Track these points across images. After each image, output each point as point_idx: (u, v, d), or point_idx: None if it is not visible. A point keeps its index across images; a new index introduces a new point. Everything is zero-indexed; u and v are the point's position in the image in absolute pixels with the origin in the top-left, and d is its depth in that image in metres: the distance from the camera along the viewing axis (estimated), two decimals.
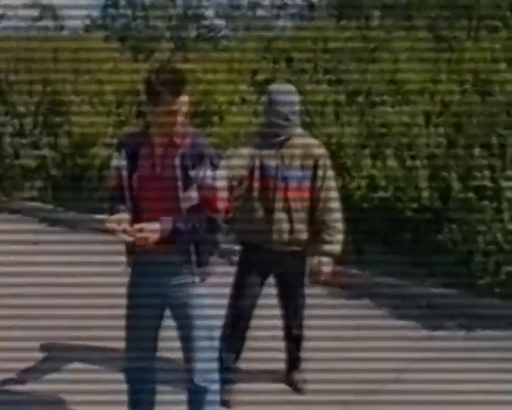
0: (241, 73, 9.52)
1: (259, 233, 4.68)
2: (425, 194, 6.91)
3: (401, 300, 6.60)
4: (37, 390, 4.94)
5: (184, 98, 3.75)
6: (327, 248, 4.69)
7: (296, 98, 4.75)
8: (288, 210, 4.65)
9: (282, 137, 4.67)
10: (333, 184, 4.76)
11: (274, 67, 9.50)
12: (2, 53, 10.44)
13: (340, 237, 4.73)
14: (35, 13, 12.97)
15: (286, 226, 4.67)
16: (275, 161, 4.65)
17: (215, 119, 8.82)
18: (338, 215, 4.71)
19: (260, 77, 9.29)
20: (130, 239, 3.74)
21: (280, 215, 4.65)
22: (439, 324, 6.20)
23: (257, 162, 4.66)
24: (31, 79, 10.06)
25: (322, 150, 4.76)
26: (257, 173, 4.66)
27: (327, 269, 4.73)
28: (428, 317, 6.31)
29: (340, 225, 4.73)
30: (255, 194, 4.68)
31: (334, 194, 4.75)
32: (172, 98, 3.69)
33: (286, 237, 4.68)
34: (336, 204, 4.74)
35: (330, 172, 4.75)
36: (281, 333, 5.11)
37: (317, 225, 4.71)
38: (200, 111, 8.64)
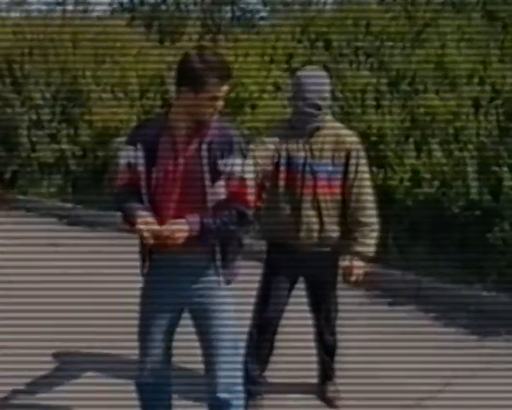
0: (276, 58, 9.51)
1: (286, 232, 4.62)
2: (474, 189, 6.82)
3: (448, 305, 6.53)
4: (47, 396, 4.99)
5: (227, 86, 3.74)
6: (359, 248, 4.62)
7: (327, 84, 4.68)
8: (317, 207, 4.58)
9: (311, 127, 4.60)
10: (366, 178, 4.68)
11: (311, 51, 9.47)
12: (17, 38, 10.54)
13: (374, 236, 4.65)
14: None
15: (315, 224, 4.60)
16: (303, 154, 4.58)
17: (247, 107, 8.82)
18: (372, 212, 4.64)
19: (296, 62, 9.25)
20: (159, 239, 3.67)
21: (308, 212, 4.58)
22: (490, 330, 6.11)
23: (283, 154, 4.59)
24: (48, 67, 10.13)
25: (355, 140, 4.69)
26: (283, 167, 4.59)
27: (359, 270, 4.65)
28: (478, 323, 6.21)
29: (374, 224, 4.65)
30: (281, 189, 4.61)
31: (368, 189, 4.66)
32: (218, 86, 3.67)
33: (315, 236, 4.61)
34: (370, 200, 4.66)
35: (364, 165, 4.66)
36: (312, 341, 5.05)
37: (349, 223, 4.64)
38: (230, 98, 8.63)
